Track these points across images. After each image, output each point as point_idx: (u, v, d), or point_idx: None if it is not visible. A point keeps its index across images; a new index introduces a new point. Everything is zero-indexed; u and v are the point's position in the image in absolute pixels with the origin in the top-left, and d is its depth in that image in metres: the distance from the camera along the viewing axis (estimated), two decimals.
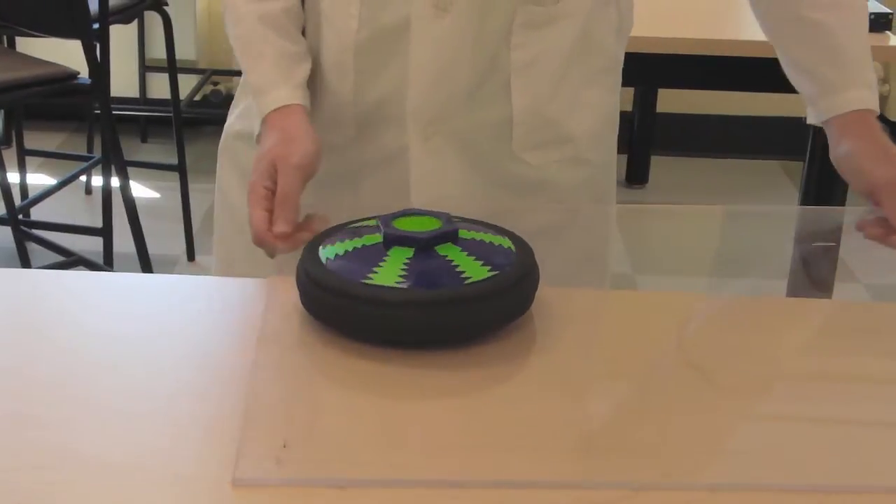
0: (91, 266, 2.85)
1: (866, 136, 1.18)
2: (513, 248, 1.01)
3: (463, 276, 0.95)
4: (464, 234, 1.01)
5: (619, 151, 1.34)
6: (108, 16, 2.75)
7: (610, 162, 1.30)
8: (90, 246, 2.95)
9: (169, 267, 3.16)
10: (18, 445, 0.83)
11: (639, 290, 1.09)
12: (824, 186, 2.50)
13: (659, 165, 3.95)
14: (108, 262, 2.89)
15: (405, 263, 0.95)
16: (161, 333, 1.01)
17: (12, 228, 2.78)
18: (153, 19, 3.64)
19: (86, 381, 0.93)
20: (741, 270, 1.31)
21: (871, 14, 2.31)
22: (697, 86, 2.76)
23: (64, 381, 0.93)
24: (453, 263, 0.96)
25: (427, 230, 0.99)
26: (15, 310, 1.07)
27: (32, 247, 3.00)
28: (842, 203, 2.49)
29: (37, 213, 3.30)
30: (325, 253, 0.98)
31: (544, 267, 1.02)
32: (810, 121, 1.26)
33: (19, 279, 1.22)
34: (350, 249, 0.99)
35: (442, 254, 0.97)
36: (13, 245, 2.80)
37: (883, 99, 4.25)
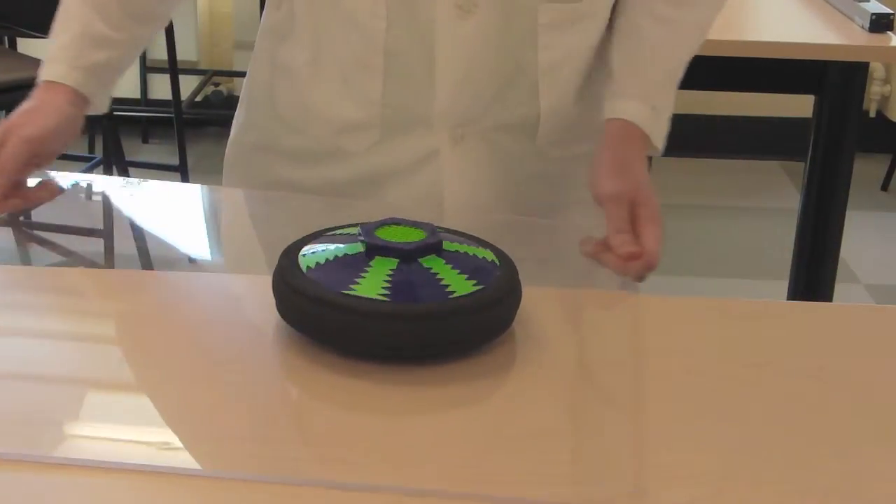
0: (92, 267, 2.85)
1: (614, 147, 1.14)
2: (497, 261, 0.98)
3: (448, 289, 0.92)
4: (448, 246, 0.98)
5: None
6: None
7: None
8: (91, 247, 2.95)
9: (170, 268, 3.15)
10: (18, 445, 0.83)
11: (625, 293, 1.07)
12: (825, 187, 2.49)
13: (659, 166, 3.94)
14: (108, 264, 2.89)
15: (388, 275, 0.93)
16: (161, 333, 1.01)
17: (13, 229, 2.77)
18: None
19: (86, 381, 0.93)
20: (741, 271, 1.32)
21: (871, 14, 2.32)
22: (698, 86, 2.75)
23: (64, 381, 0.93)
24: (438, 276, 0.93)
25: (410, 241, 0.96)
26: (15, 309, 1.07)
27: (33, 248, 3.00)
28: (843, 204, 2.49)
29: (37, 214, 3.30)
30: (306, 261, 0.96)
31: (565, 266, 1.00)
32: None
33: (19, 277, 1.22)
34: (331, 258, 0.96)
35: (426, 266, 0.94)
36: (14, 246, 2.80)
37: (884, 100, 4.25)
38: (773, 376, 0.96)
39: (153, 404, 0.90)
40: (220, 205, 1.36)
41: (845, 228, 2.50)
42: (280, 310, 0.95)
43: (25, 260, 1.85)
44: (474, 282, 0.93)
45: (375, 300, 0.90)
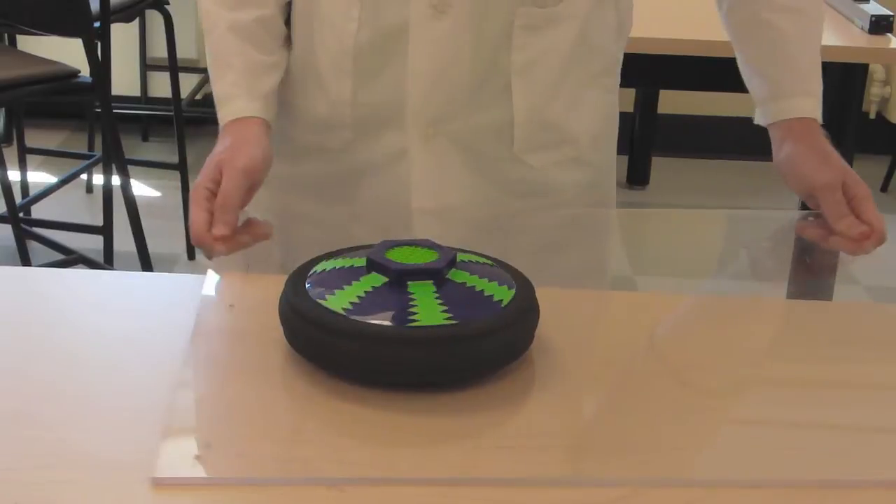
0: (91, 264, 2.85)
1: (807, 141, 1.22)
2: (504, 302, 0.93)
3: (412, 317, 0.89)
4: (456, 275, 0.95)
5: (620, 152, 1.34)
6: (110, 14, 2.75)
7: (610, 162, 1.30)
8: (90, 244, 2.95)
9: (169, 266, 3.16)
10: (17, 444, 0.83)
11: (626, 292, 1.08)
12: None
13: (660, 166, 3.95)
14: (108, 261, 2.89)
15: (367, 291, 0.92)
16: (161, 331, 1.01)
17: (13, 226, 2.78)
18: (154, 18, 3.64)
19: (85, 380, 0.93)
20: (741, 271, 1.31)
21: (871, 17, 2.32)
22: (698, 87, 2.76)
23: (63, 380, 0.93)
24: (412, 303, 0.90)
25: (410, 263, 0.94)
26: (15, 308, 1.07)
27: (33, 245, 3.00)
28: None
29: (37, 212, 3.30)
30: (317, 267, 0.97)
31: (545, 273, 1.00)
32: (757, 121, 1.28)
33: (19, 277, 1.22)
34: (336, 267, 0.96)
35: (410, 291, 0.92)
36: (14, 243, 2.80)
37: (883, 101, 4.25)
38: (771, 375, 0.96)
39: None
40: None
41: None
42: (279, 309, 0.96)
43: (25, 257, 1.86)
44: (447, 315, 0.89)
45: (328, 310, 0.89)
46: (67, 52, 2.88)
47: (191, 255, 3.19)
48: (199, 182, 1.09)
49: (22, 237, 2.82)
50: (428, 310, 0.90)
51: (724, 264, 1.30)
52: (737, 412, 0.91)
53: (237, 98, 1.16)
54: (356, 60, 1.16)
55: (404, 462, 0.82)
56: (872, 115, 4.21)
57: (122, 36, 3.68)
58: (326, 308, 0.90)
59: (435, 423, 0.86)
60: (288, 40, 1.23)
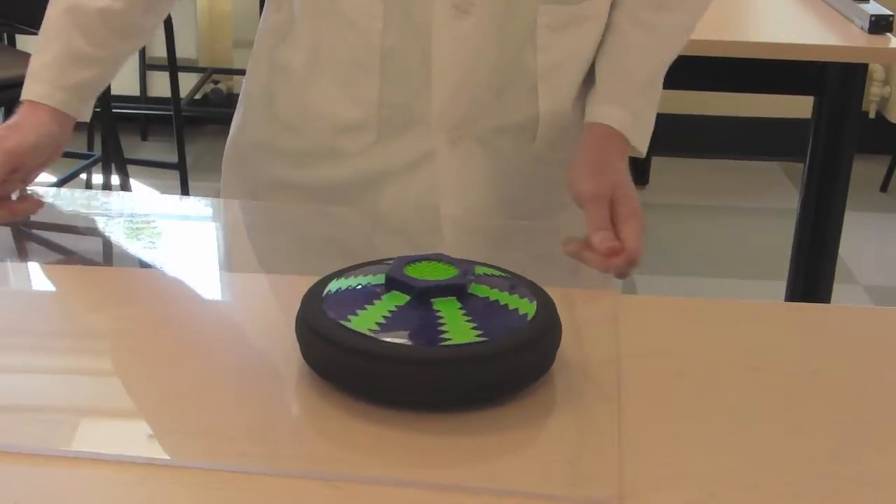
0: (90, 265, 2.85)
1: (595, 148, 1.16)
2: (529, 316, 0.90)
3: (443, 335, 0.86)
4: (477, 290, 0.92)
5: None
6: None
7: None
8: (90, 245, 2.95)
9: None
10: (17, 443, 0.83)
11: (613, 291, 1.07)
12: (824, 187, 2.49)
13: (659, 166, 3.95)
14: (107, 262, 2.89)
15: (391, 311, 0.89)
16: (160, 330, 1.01)
17: (11, 226, 2.77)
18: None
19: (84, 379, 0.93)
20: (740, 271, 1.32)
21: (871, 16, 2.32)
22: (698, 87, 2.76)
23: (63, 378, 0.93)
24: (441, 321, 0.88)
25: (431, 279, 0.91)
26: (14, 306, 1.07)
27: (31, 245, 3.00)
28: (842, 205, 2.49)
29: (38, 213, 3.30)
30: (331, 286, 0.93)
31: (559, 276, 0.98)
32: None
33: (17, 275, 1.21)
34: (352, 287, 0.93)
35: (435, 308, 0.89)
36: (13, 243, 2.80)
37: (883, 101, 4.25)
38: (769, 378, 0.96)
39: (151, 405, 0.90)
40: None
41: (844, 229, 2.50)
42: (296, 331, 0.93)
43: (23, 258, 1.86)
44: (477, 332, 0.87)
45: (359, 333, 0.86)
46: None
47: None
48: None
49: (21, 237, 2.82)
50: (457, 327, 0.88)
51: (723, 263, 1.29)
52: (732, 414, 0.91)
53: (41, 82, 1.17)
54: (384, 60, 1.14)
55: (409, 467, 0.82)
56: (872, 115, 4.21)
57: None
58: (352, 330, 0.87)
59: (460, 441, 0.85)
60: (133, 38, 1.22)
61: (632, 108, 1.17)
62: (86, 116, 1.21)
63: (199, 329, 1.03)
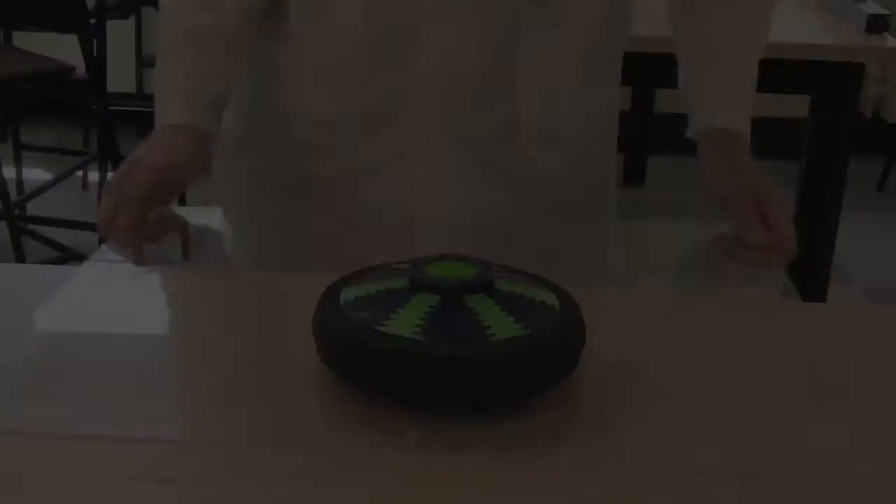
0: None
1: (724, 151, 1.22)
2: (556, 305, 0.90)
3: (489, 332, 0.85)
4: (501, 285, 0.92)
5: (617, 151, 1.34)
6: (106, 11, 2.75)
7: (611, 160, 1.31)
8: (86, 241, 2.95)
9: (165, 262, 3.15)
10: (17, 442, 0.83)
11: (616, 292, 1.07)
12: (820, 187, 2.50)
13: (656, 165, 3.95)
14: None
15: (427, 312, 0.87)
16: (160, 329, 1.01)
17: (8, 224, 2.78)
18: (150, 14, 3.64)
19: (83, 378, 0.93)
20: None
21: (867, 16, 2.32)
22: None
23: (61, 377, 0.92)
24: (480, 318, 0.87)
25: (458, 277, 0.90)
26: (12, 305, 1.06)
27: (28, 242, 3.00)
28: (838, 204, 2.50)
29: (33, 209, 3.30)
30: (345, 295, 0.91)
31: (553, 276, 0.99)
32: (688, 134, 1.30)
33: (15, 274, 1.21)
34: (372, 292, 0.91)
35: (471, 306, 0.88)
36: (9, 240, 2.80)
37: (879, 100, 4.26)
38: (765, 376, 0.96)
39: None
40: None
41: (840, 229, 2.50)
42: (317, 346, 0.90)
43: (20, 254, 1.86)
44: (519, 326, 0.86)
45: (403, 337, 0.84)
46: (63, 48, 2.87)
47: (185, 255, 3.18)
48: (115, 174, 1.14)
49: (17, 234, 2.82)
50: (498, 322, 0.87)
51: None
52: (729, 411, 0.91)
53: (174, 104, 1.18)
54: (362, 58, 1.15)
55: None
56: (868, 115, 4.22)
57: (118, 32, 3.67)
58: (394, 335, 0.84)
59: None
60: (244, 53, 1.21)
61: (742, 104, 1.23)
62: (218, 133, 1.20)
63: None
